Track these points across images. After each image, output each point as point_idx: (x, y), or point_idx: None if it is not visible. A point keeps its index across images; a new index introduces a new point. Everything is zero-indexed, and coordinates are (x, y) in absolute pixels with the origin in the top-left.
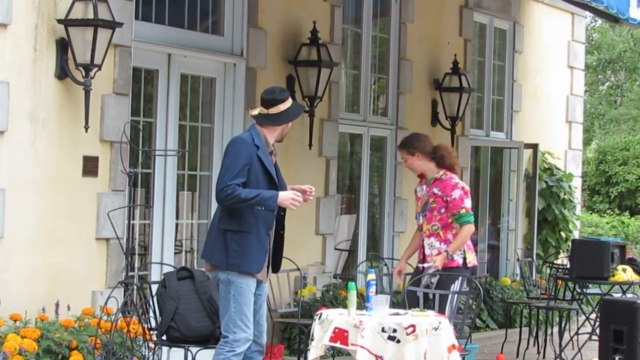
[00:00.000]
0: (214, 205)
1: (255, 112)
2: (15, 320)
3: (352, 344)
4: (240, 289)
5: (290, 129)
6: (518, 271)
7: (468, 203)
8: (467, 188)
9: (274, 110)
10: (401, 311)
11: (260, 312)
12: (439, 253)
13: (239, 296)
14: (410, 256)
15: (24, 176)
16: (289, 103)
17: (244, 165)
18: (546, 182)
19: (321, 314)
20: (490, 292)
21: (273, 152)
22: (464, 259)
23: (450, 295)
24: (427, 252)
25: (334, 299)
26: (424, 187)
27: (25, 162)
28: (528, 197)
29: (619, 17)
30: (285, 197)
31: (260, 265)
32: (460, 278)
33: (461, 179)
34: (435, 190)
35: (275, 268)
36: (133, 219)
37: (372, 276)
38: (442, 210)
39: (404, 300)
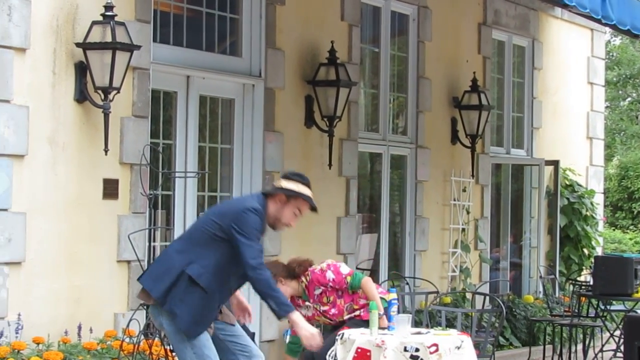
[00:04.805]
0: None
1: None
2: (38, 344)
3: None
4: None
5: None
6: (541, 288)
7: (345, 269)
8: (330, 261)
9: (291, 186)
10: (423, 330)
11: (237, 334)
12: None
13: (194, 340)
14: None
15: (45, 200)
16: (307, 191)
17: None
18: (568, 198)
19: (343, 334)
20: (513, 309)
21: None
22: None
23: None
24: (348, 324)
25: None
26: (307, 303)
27: (46, 185)
28: (550, 214)
29: (635, 33)
30: (307, 329)
31: (199, 329)
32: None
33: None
34: (317, 291)
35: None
36: (154, 241)
37: (393, 295)
38: (340, 293)
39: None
